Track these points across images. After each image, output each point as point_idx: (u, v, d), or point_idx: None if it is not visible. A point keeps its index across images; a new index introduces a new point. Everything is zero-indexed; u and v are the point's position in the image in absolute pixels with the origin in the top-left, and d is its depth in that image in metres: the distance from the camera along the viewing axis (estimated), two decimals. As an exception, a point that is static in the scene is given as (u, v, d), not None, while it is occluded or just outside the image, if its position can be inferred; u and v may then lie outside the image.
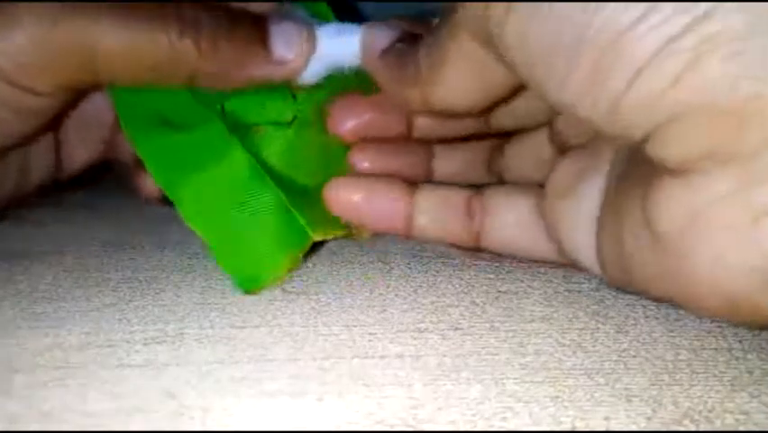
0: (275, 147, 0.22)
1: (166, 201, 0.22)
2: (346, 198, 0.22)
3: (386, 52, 0.20)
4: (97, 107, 0.24)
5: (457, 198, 0.22)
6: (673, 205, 0.15)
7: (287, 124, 0.23)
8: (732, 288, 0.15)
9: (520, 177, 0.23)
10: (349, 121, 0.23)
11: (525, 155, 0.23)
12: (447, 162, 0.24)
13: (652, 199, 0.15)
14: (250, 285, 0.21)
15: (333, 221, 0.22)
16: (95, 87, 0.21)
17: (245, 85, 0.21)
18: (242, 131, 0.22)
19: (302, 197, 0.22)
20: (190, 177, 0.21)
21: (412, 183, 0.23)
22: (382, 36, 0.21)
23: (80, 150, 0.25)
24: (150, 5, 0.20)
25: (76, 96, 0.22)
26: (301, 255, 0.21)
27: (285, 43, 0.21)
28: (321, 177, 0.23)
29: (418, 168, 0.24)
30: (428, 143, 0.24)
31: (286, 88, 0.23)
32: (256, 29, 0.21)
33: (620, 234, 0.17)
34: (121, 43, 0.19)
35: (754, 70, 0.12)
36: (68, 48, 0.19)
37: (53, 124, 0.23)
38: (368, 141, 0.23)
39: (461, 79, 0.18)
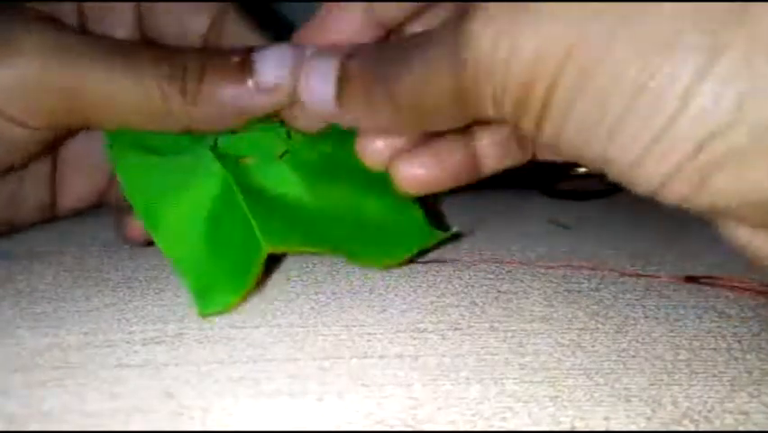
0: (261, 175, 0.22)
1: (149, 244, 0.22)
2: (417, 171, 0.21)
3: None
4: (98, 151, 0.24)
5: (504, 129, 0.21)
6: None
7: (277, 156, 0.22)
8: None
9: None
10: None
11: None
12: (487, 151, 0.22)
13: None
14: (206, 307, 0.19)
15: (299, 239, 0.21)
16: (87, 125, 0.21)
17: (240, 121, 0.21)
18: (229, 159, 0.22)
19: (271, 211, 0.21)
20: (167, 197, 0.21)
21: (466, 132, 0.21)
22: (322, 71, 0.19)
23: (77, 191, 0.25)
24: (146, 49, 0.20)
25: (67, 132, 0.22)
26: (256, 276, 0.19)
27: (272, 68, 0.20)
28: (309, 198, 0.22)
29: (466, 165, 0.22)
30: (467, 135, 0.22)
31: (282, 128, 0.22)
32: (240, 59, 0.20)
33: None
34: (112, 89, 0.19)
35: (758, 179, 0.13)
36: (56, 91, 0.19)
37: (43, 155, 0.23)
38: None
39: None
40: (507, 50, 0.14)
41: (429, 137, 0.21)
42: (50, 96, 0.19)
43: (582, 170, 0.31)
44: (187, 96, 0.20)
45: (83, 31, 0.22)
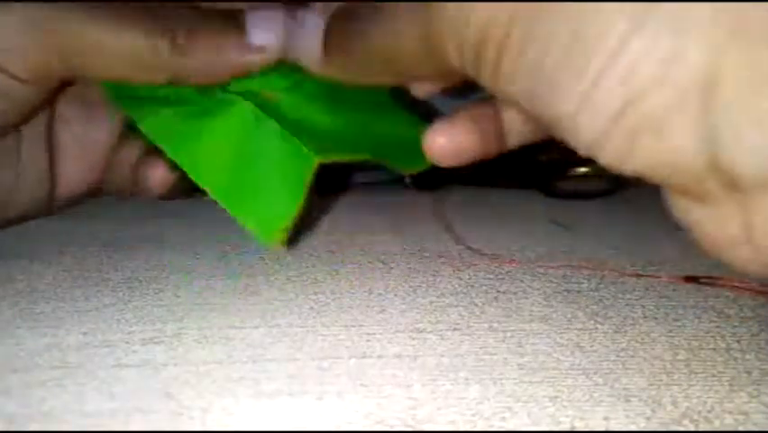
0: (279, 105, 0.22)
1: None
2: (447, 142, 0.21)
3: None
4: (96, 133, 0.25)
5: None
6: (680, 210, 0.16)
7: (286, 89, 0.23)
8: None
9: None
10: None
11: None
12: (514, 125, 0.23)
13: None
14: (269, 232, 0.20)
15: (340, 149, 0.22)
16: (78, 77, 0.22)
17: (228, 76, 0.22)
18: (247, 95, 0.22)
19: (304, 130, 0.22)
20: (200, 139, 0.21)
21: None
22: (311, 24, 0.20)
23: (74, 179, 0.25)
24: (129, 5, 0.20)
25: (58, 87, 0.22)
26: (307, 191, 0.20)
27: (262, 28, 0.21)
28: (331, 116, 0.23)
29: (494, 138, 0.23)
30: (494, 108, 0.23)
31: (287, 67, 0.23)
32: (231, 18, 0.21)
33: None
34: (97, 41, 0.20)
35: (680, 144, 0.13)
36: (48, 42, 0.20)
37: (32, 114, 0.23)
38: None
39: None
40: (465, 14, 0.15)
41: (458, 109, 0.22)
42: (43, 50, 0.20)
43: (582, 170, 0.31)
44: (177, 48, 0.20)
45: None
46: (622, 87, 0.13)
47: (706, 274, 0.22)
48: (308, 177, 0.20)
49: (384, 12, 0.18)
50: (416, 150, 0.22)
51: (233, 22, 0.21)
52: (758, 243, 0.14)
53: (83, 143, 0.25)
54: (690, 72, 0.13)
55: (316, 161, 0.20)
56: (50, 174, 0.25)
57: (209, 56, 0.21)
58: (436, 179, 0.34)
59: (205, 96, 0.22)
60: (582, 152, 0.15)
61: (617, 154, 0.14)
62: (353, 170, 0.35)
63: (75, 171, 0.25)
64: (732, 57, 0.12)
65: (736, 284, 0.22)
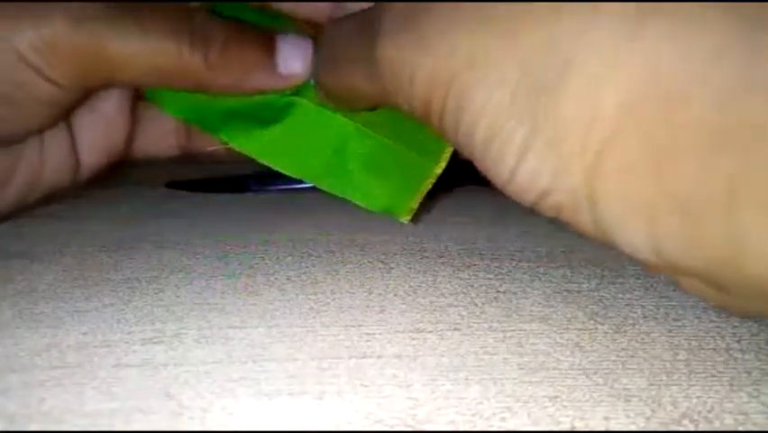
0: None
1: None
2: None
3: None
4: (116, 108, 0.25)
5: None
6: None
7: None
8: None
9: None
10: None
11: None
12: None
13: None
14: (400, 211, 0.22)
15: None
16: (111, 85, 0.23)
17: (251, 94, 0.23)
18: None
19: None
20: (305, 153, 0.23)
21: None
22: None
23: (99, 150, 0.25)
24: (167, 15, 0.21)
25: (89, 91, 0.23)
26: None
27: (291, 58, 0.22)
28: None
29: None
30: None
31: None
32: (264, 43, 0.22)
33: None
34: (132, 51, 0.21)
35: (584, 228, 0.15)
36: (84, 49, 0.20)
37: (65, 116, 0.24)
38: None
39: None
40: (408, 76, 0.17)
41: None
42: (78, 57, 0.20)
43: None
44: (209, 63, 0.21)
45: None
46: (531, 187, 0.15)
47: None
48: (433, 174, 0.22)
49: (339, 62, 0.20)
50: None
51: (266, 42, 0.22)
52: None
53: (98, 114, 0.25)
54: (574, 182, 0.14)
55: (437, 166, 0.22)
56: (73, 151, 0.25)
57: (238, 75, 0.22)
58: (458, 179, 0.34)
59: (288, 108, 0.23)
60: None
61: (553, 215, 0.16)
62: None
63: (95, 144, 0.25)
64: (603, 170, 0.14)
65: None
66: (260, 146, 0.23)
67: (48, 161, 0.24)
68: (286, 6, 0.24)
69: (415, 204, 0.22)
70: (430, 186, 0.22)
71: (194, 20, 0.21)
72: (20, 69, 0.20)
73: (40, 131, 0.23)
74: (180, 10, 0.21)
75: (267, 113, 0.23)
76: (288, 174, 0.23)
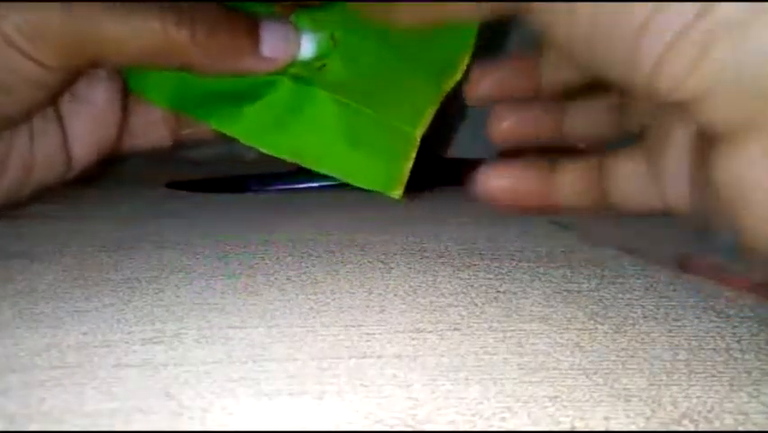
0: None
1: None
2: (497, 183, 0.23)
3: None
4: (106, 101, 0.25)
5: (589, 168, 0.23)
6: (723, 166, 0.16)
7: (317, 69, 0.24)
8: None
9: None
10: (483, 84, 0.23)
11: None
12: (577, 120, 0.25)
13: (710, 159, 0.16)
14: (389, 187, 0.22)
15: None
16: (98, 65, 0.23)
17: (232, 74, 0.23)
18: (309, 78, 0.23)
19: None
20: (288, 131, 0.23)
21: (551, 159, 0.23)
22: None
23: (90, 143, 0.25)
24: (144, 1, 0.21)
25: (78, 72, 0.23)
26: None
27: (274, 42, 0.23)
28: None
29: (551, 126, 0.25)
30: (558, 101, 0.25)
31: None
32: (248, 26, 0.23)
33: (702, 179, 0.18)
34: (118, 30, 0.21)
35: (758, 54, 0.14)
36: (69, 30, 0.20)
37: (53, 99, 0.24)
38: (503, 105, 0.24)
39: None
40: None
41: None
42: (64, 38, 0.21)
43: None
44: (196, 41, 0.21)
45: None
46: None
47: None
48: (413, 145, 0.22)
49: None
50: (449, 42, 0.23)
51: (251, 25, 0.23)
52: None
53: (89, 106, 0.25)
54: None
55: (415, 130, 0.22)
56: (64, 144, 0.25)
57: (224, 56, 0.22)
58: (435, 179, 0.34)
59: (268, 86, 0.23)
60: (638, 79, 0.15)
61: (681, 69, 0.14)
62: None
63: (86, 137, 0.25)
64: None
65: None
66: (242, 127, 0.23)
67: (39, 154, 0.24)
68: None
69: (404, 177, 0.22)
70: (414, 154, 0.22)
71: (179, 2, 0.22)
72: (6, 52, 0.20)
73: (29, 115, 0.23)
74: None
75: (248, 92, 0.23)
76: (272, 154, 0.23)
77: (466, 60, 0.23)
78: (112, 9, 0.21)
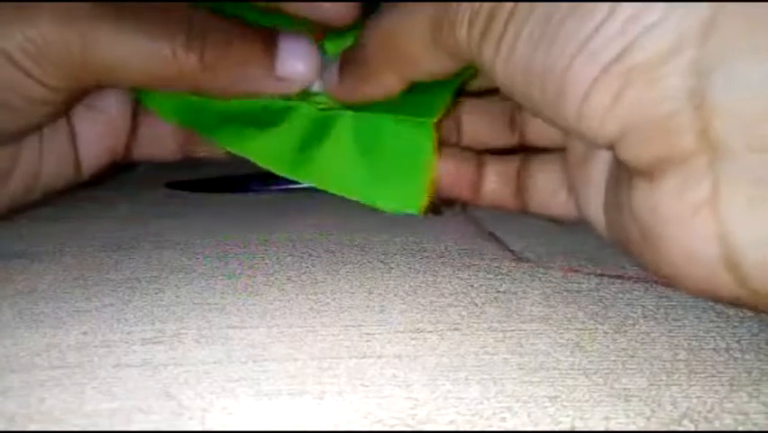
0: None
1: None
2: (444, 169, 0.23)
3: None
4: (117, 108, 0.25)
5: (511, 169, 0.23)
6: (640, 197, 0.16)
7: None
8: (695, 271, 0.16)
9: (541, 138, 0.24)
10: None
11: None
12: (473, 126, 0.25)
13: (627, 188, 0.17)
14: (413, 206, 0.21)
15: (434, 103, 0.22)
16: (103, 86, 0.22)
17: (246, 97, 0.22)
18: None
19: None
20: (308, 155, 0.22)
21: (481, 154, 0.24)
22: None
23: (99, 150, 0.25)
24: (162, 13, 0.20)
25: (83, 91, 0.22)
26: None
27: (293, 59, 0.21)
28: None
29: (451, 131, 0.25)
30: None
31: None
32: (264, 44, 0.21)
33: (619, 204, 0.18)
34: (124, 52, 0.20)
35: (671, 92, 0.14)
36: (72, 51, 0.20)
37: (59, 114, 0.23)
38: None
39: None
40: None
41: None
42: (67, 59, 0.20)
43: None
44: (206, 64, 0.20)
45: None
46: (621, 35, 0.14)
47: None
48: (432, 140, 0.21)
49: (392, 9, 0.19)
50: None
51: (268, 42, 0.21)
52: (721, 209, 0.14)
53: (99, 113, 0.25)
54: (691, 15, 0.14)
55: (433, 119, 0.20)
56: (74, 151, 0.24)
57: (236, 77, 0.21)
58: None
59: (287, 114, 0.22)
60: (565, 119, 0.16)
61: (601, 109, 0.15)
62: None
63: (96, 143, 0.25)
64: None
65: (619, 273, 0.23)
66: (258, 150, 0.22)
67: (47, 159, 0.24)
68: (290, 7, 0.23)
69: (425, 193, 0.21)
70: (433, 159, 0.21)
71: (191, 18, 0.20)
72: (9, 71, 0.20)
73: (36, 129, 0.23)
74: (177, 8, 0.21)
75: (264, 117, 0.22)
76: (291, 177, 0.22)
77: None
78: (116, 29, 0.20)
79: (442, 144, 0.22)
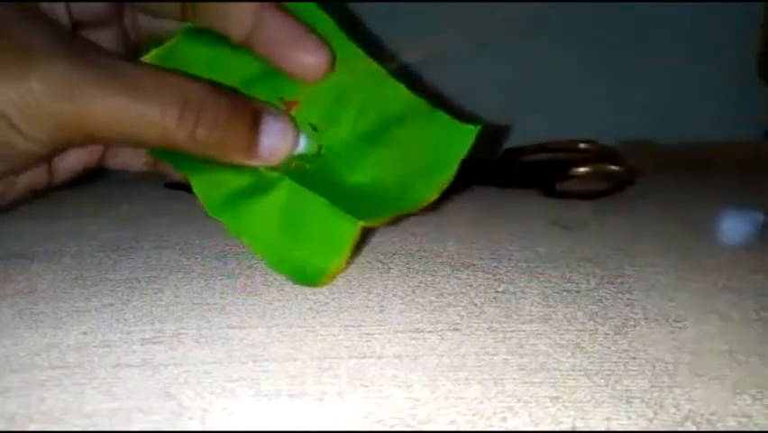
0: (311, 173, 0.23)
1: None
2: None
3: None
4: None
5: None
6: None
7: (314, 155, 0.23)
8: None
9: None
10: None
11: None
12: None
13: None
14: (314, 277, 0.21)
15: (379, 212, 0.22)
16: (92, 144, 0.23)
17: (225, 163, 0.22)
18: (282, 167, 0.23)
19: (344, 196, 0.22)
20: (246, 208, 0.22)
21: None
22: None
23: (73, 160, 0.25)
24: (160, 81, 0.20)
25: (73, 145, 0.22)
26: (352, 246, 0.21)
27: (273, 140, 0.22)
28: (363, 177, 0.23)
29: None
30: None
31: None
32: (251, 122, 0.22)
33: None
34: (114, 117, 0.20)
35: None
36: (62, 113, 0.20)
37: (44, 162, 0.23)
38: None
39: None
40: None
41: None
42: (56, 120, 0.20)
43: (582, 170, 0.31)
44: (194, 139, 0.21)
45: (75, 33, 0.22)
46: None
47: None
48: (352, 238, 0.21)
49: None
50: (443, 148, 0.23)
51: (254, 121, 0.22)
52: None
53: None
54: None
55: (359, 226, 0.21)
56: (48, 165, 0.24)
57: (219, 152, 0.22)
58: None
59: (253, 173, 0.23)
60: None
61: None
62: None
63: (72, 155, 0.25)
64: None
65: None
66: (214, 198, 0.22)
67: (23, 174, 0.23)
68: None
69: (335, 270, 0.22)
70: (338, 268, 0.22)
71: (189, 92, 0.21)
72: (2, 128, 0.20)
73: (16, 174, 0.23)
74: (177, 78, 0.21)
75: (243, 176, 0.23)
76: (230, 230, 0.22)
77: (460, 159, 0.22)
78: (108, 92, 0.20)
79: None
